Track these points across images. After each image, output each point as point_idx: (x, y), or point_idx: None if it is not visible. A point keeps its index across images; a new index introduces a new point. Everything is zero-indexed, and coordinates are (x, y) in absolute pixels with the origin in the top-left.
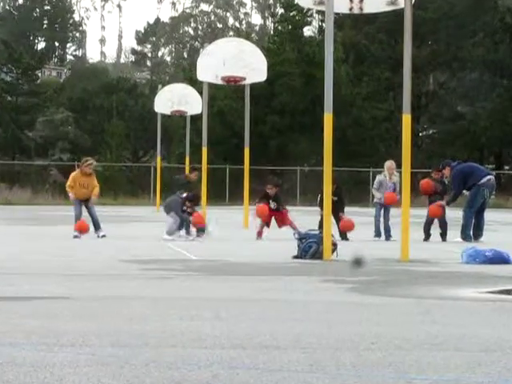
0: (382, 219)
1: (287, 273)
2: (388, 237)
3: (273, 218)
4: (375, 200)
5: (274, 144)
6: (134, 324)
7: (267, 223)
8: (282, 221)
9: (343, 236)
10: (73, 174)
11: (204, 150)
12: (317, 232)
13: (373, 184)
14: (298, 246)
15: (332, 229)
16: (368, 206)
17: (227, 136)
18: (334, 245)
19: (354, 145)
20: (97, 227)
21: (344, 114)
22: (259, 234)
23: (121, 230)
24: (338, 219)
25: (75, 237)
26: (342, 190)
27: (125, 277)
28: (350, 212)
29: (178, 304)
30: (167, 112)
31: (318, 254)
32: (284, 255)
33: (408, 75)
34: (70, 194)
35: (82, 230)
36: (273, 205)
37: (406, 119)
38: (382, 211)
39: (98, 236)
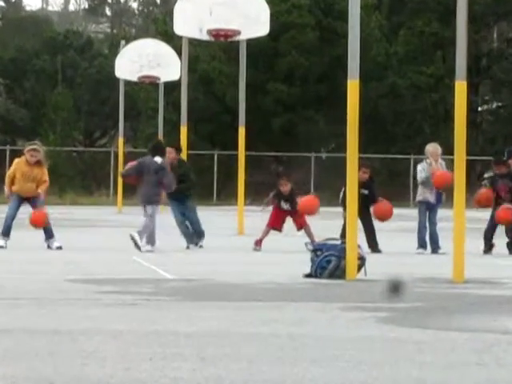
0: (427, 224)
1: (296, 297)
2: (435, 249)
3: (287, 218)
4: (418, 198)
5: (279, 122)
6: (86, 367)
7: (276, 228)
8: (300, 221)
9: (374, 247)
10: (16, 162)
11: (183, 129)
12: (338, 242)
13: (415, 176)
14: (312, 260)
15: (359, 237)
16: (409, 206)
17: (215, 111)
18: (362, 259)
19: (389, 123)
20: (48, 235)
21: (375, 81)
22: (258, 243)
23: (70, 238)
24: (367, 223)
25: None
26: (374, 182)
27: (75, 303)
28: None
29: (147, 340)
30: (133, 78)
31: (338, 272)
32: (292, 273)
33: (463, 28)
34: (6, 188)
35: (37, 223)
36: (285, 206)
37: (461, 88)
38: (427, 213)
39: (50, 247)
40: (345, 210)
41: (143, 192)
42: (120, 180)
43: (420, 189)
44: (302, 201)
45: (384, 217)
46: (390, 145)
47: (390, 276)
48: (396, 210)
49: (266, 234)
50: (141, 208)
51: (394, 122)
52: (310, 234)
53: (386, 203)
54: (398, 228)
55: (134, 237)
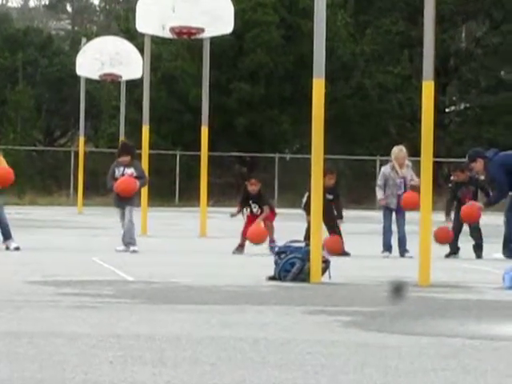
0: (393, 228)
1: (259, 300)
2: (403, 252)
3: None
4: (380, 203)
5: (243, 122)
6: (44, 371)
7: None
8: (268, 217)
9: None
10: None
11: (145, 129)
12: (302, 244)
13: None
14: (276, 263)
15: (323, 239)
16: (374, 209)
17: (178, 110)
18: (326, 262)
19: (355, 124)
20: (6, 236)
21: (341, 80)
22: (240, 247)
23: (29, 239)
24: (332, 226)
25: None
26: (339, 186)
27: (33, 305)
28: (351, 217)
29: (107, 343)
30: (94, 76)
31: (302, 275)
32: (255, 276)
33: (430, 27)
34: None
35: None
36: (255, 208)
37: (428, 88)
38: (394, 216)
39: (8, 248)
40: (308, 214)
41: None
42: (80, 180)
43: (379, 192)
44: (331, 238)
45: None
46: (355, 146)
47: (392, 280)
48: (362, 213)
49: (243, 240)
50: (116, 211)
51: (359, 122)
52: (270, 230)
53: (334, 238)
54: (364, 230)
55: (119, 250)
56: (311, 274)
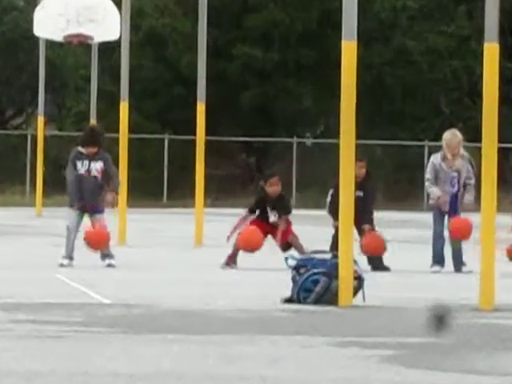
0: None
1: (271, 329)
2: (458, 266)
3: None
4: (430, 201)
5: (251, 97)
6: None
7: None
8: (285, 233)
9: (375, 263)
10: None
11: (124, 106)
12: (327, 256)
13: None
14: (294, 280)
15: (355, 249)
16: (421, 210)
17: (166, 82)
18: (359, 278)
19: (397, 99)
20: None
21: (379, 43)
22: (230, 258)
23: None
24: (362, 231)
25: None
26: (373, 179)
27: None
28: (391, 221)
29: (75, 383)
30: (57, 38)
31: (328, 296)
32: (267, 297)
33: None
34: None
35: None
36: (274, 216)
37: (491, 52)
38: (445, 220)
39: None
40: (334, 217)
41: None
42: (40, 173)
43: (431, 189)
44: (371, 237)
45: (374, 251)
46: (397, 128)
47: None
48: (405, 215)
49: (236, 249)
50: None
51: (403, 97)
52: (298, 247)
53: (375, 235)
54: (408, 238)
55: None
56: (340, 294)
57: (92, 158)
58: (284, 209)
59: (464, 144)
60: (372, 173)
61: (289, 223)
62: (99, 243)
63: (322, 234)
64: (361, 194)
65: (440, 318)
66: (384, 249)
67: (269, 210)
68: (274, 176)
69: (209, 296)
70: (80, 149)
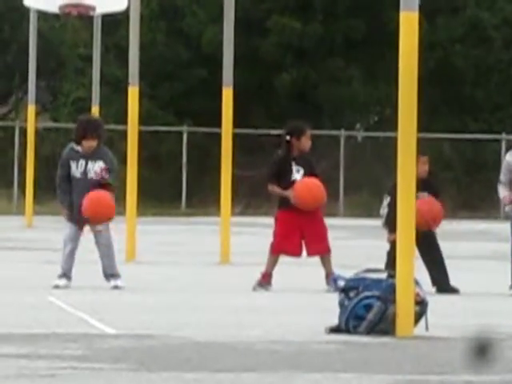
0: None
1: (314, 365)
2: None
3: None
4: (506, 208)
5: (288, 81)
6: None
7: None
8: (317, 239)
9: (442, 284)
10: None
11: (133, 92)
12: (382, 275)
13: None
14: (342, 305)
15: (416, 267)
16: (498, 218)
17: (184, 63)
18: (422, 303)
19: (468, 84)
20: None
21: (445, 15)
22: (265, 277)
23: None
24: (429, 246)
25: None
26: (436, 179)
27: None
28: (461, 232)
29: None
30: (52, 8)
31: (384, 325)
32: (309, 326)
33: None
34: None
35: None
36: (297, 174)
37: None
38: None
39: None
40: (391, 230)
41: None
42: (30, 174)
43: (503, 192)
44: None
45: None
46: (468, 118)
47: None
48: (479, 225)
49: (273, 264)
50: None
51: (475, 81)
52: (326, 264)
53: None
54: (483, 253)
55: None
56: (398, 322)
57: (90, 156)
58: (312, 167)
59: None
60: (436, 172)
61: (321, 215)
62: (101, 214)
63: (376, 250)
64: (425, 194)
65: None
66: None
67: (293, 167)
68: (305, 130)
69: (237, 325)
70: (74, 146)
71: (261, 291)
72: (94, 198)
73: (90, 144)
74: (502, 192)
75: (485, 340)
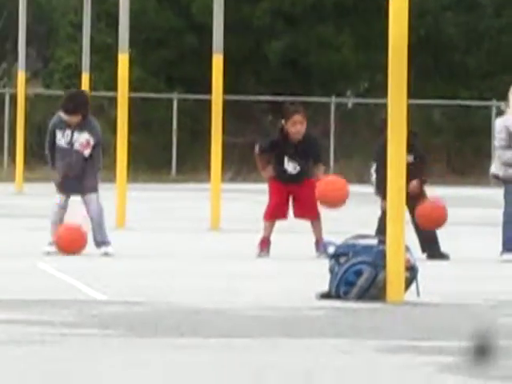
0: None
1: (304, 331)
2: None
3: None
4: (501, 173)
5: (278, 47)
6: None
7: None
8: (306, 204)
9: (432, 249)
10: None
11: (123, 58)
12: (373, 241)
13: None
14: (333, 271)
15: (406, 232)
16: (488, 185)
17: (174, 29)
18: (412, 269)
19: (458, 50)
20: None
21: None
22: (263, 243)
23: None
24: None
25: None
26: (420, 142)
27: None
28: (451, 197)
29: None
30: None
31: (374, 290)
32: (298, 292)
33: None
34: None
35: None
36: (291, 167)
37: None
38: None
39: None
40: (382, 194)
41: None
42: (20, 141)
43: (503, 154)
44: (429, 204)
45: (435, 223)
46: (459, 85)
47: (475, 332)
48: (468, 191)
49: (269, 229)
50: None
51: (466, 48)
52: (316, 230)
53: (434, 202)
54: (473, 219)
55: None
56: (388, 288)
57: (75, 127)
58: (314, 154)
59: None
60: (419, 135)
61: (313, 183)
62: (71, 245)
63: (366, 215)
64: (410, 158)
65: (483, 349)
66: (444, 219)
67: (286, 159)
68: (297, 112)
69: (228, 291)
70: (62, 115)
71: (265, 257)
72: (68, 230)
73: (73, 120)
74: (503, 155)
75: (484, 341)
